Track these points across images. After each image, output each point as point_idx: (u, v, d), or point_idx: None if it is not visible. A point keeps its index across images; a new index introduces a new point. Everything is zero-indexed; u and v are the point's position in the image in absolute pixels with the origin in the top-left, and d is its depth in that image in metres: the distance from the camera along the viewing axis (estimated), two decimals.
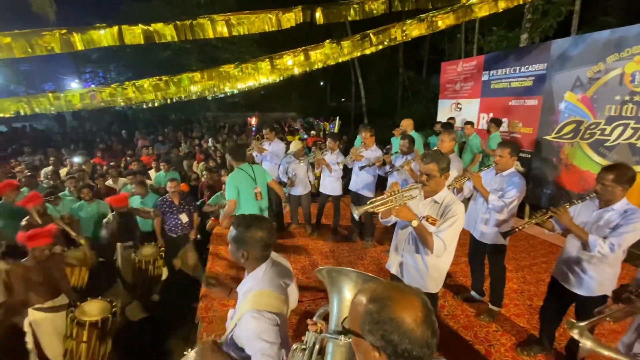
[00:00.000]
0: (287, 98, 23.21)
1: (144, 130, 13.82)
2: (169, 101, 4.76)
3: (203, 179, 6.74)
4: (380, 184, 4.73)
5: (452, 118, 6.49)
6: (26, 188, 4.84)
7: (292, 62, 3.50)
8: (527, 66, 5.44)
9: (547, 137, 5.14)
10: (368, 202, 2.11)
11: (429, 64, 18.10)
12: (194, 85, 3.68)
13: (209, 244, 4.97)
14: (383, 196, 2.09)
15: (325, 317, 1.20)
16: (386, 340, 0.73)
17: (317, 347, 1.09)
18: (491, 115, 6.21)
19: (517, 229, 2.45)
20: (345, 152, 4.99)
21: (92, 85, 16.97)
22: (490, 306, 3.16)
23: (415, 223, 2.01)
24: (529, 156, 5.45)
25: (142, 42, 2.52)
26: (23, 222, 3.49)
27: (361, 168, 4.36)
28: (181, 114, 18.11)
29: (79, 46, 2.29)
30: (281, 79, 3.87)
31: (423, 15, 3.95)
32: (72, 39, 2.23)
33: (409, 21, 3.76)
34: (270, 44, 12.80)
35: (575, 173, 4.81)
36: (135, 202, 4.77)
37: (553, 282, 2.53)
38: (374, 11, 3.25)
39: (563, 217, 2.18)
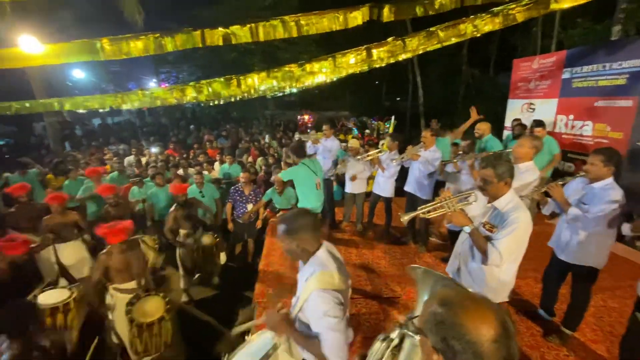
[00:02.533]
0: (341, 97, 23.24)
1: (209, 126, 14.97)
2: (232, 99, 5.11)
3: (261, 173, 7.12)
4: (439, 186, 4.54)
5: (517, 119, 5.90)
6: (116, 173, 5.58)
7: (354, 60, 3.52)
8: (620, 62, 4.77)
9: None
10: (418, 208, 2.16)
11: (497, 61, 16.78)
12: (261, 83, 3.89)
13: (264, 234, 5.24)
14: (433, 202, 2.12)
15: None
16: (447, 344, 0.71)
17: (396, 341, 1.11)
18: (571, 117, 5.57)
19: None
20: (402, 152, 4.89)
21: (166, 85, 18.80)
22: (562, 328, 2.86)
23: (468, 229, 1.99)
24: None
25: (221, 44, 2.77)
26: (102, 212, 4.03)
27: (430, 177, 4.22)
28: (241, 111, 19.20)
29: (169, 47, 2.60)
30: (342, 76, 3.92)
31: (497, 8, 3.68)
32: (163, 42, 2.54)
33: (481, 15, 3.54)
34: (329, 44, 12.96)
35: None
36: (193, 190, 5.17)
37: None
38: (445, 6, 3.12)
39: None
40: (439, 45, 3.78)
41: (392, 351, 1.12)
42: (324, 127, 5.52)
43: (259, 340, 1.69)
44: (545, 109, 6.06)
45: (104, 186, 4.15)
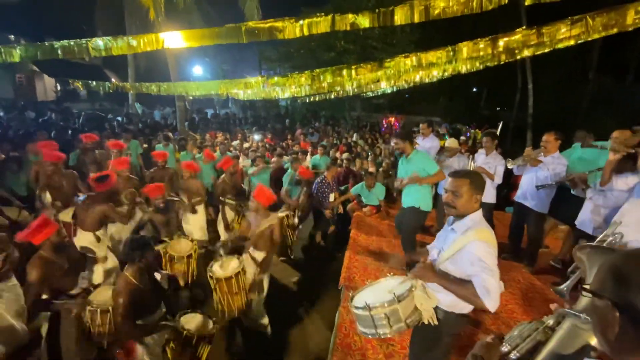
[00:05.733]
0: (433, 102, 22.07)
1: (300, 122, 15.91)
2: (330, 94, 5.26)
3: (345, 166, 7.23)
4: (557, 198, 3.94)
5: None
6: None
7: (477, 53, 3.28)
8: None
9: None
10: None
11: (639, 67, 13.83)
12: (367, 77, 3.92)
13: (349, 225, 5.30)
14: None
15: None
16: (629, 298, 0.64)
17: (550, 322, 1.06)
18: None
19: None
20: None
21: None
22: None
23: None
24: None
25: (347, 29, 2.89)
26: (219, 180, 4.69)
27: (539, 187, 3.73)
28: (330, 111, 19.78)
29: (305, 31, 2.85)
30: (458, 72, 3.69)
31: None
32: (298, 25, 2.80)
33: None
34: (428, 45, 12.45)
35: None
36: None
37: None
38: None
39: None
40: (582, 37, 3.26)
41: (544, 329, 1.11)
42: (421, 125, 5.29)
43: (390, 282, 1.81)
44: None
45: (226, 158, 4.88)
